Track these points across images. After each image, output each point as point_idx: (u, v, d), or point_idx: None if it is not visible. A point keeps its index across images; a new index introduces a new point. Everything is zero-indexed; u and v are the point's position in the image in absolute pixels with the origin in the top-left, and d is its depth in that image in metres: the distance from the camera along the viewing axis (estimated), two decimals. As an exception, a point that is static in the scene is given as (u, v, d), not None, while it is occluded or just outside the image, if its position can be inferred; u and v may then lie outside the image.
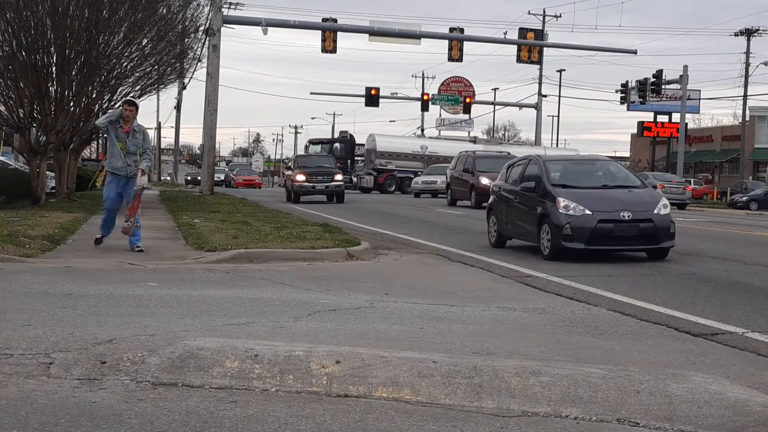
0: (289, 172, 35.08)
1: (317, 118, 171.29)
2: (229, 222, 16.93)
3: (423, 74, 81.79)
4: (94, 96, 25.75)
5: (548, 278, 10.80)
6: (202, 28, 31.86)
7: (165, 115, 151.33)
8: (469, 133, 79.15)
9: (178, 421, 4.27)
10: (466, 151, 34.76)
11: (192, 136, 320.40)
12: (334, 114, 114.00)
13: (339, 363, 5.19)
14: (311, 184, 32.08)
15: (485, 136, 64.28)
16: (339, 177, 32.56)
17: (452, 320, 7.59)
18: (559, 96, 74.15)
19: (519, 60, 48.69)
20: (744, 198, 46.29)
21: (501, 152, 35.71)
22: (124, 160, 12.29)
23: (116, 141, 12.28)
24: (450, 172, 33.93)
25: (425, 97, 64.13)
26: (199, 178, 51.52)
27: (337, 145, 53.03)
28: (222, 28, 34.91)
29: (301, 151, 72.05)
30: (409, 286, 9.96)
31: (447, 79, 72.15)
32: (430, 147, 55.19)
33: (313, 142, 55.66)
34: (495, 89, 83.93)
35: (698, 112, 71.57)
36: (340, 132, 63.89)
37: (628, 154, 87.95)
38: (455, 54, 43.24)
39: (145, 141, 12.61)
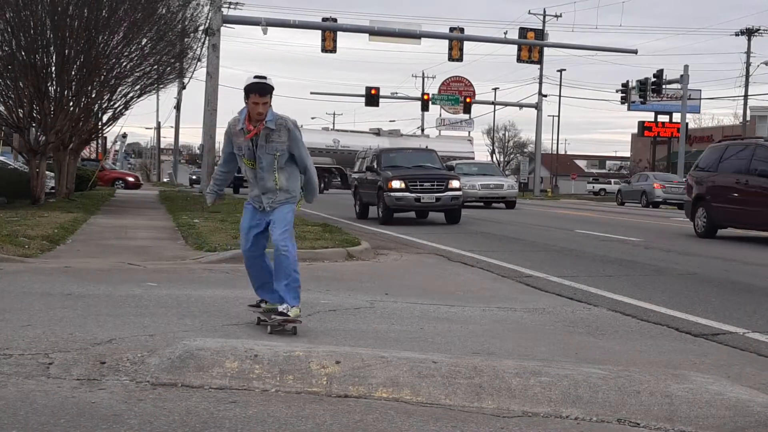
0: (365, 176, 23.26)
1: (317, 117, 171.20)
2: (229, 222, 16.91)
3: (423, 74, 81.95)
4: (93, 96, 25.75)
5: (548, 278, 10.79)
6: (201, 28, 31.81)
7: (165, 115, 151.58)
8: (469, 132, 79.25)
9: (177, 422, 4.26)
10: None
11: (192, 136, 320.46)
12: (334, 114, 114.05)
13: (339, 363, 5.18)
14: (414, 195, 20.83)
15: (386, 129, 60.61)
16: (456, 184, 21.36)
17: (452, 320, 7.59)
18: (560, 96, 74.26)
19: (519, 60, 48.72)
20: None
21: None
22: (256, 184, 6.96)
23: (242, 149, 6.93)
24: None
25: (425, 97, 64.08)
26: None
27: None
28: (222, 28, 34.90)
29: None
30: (409, 286, 9.95)
31: (447, 78, 72.14)
32: (342, 141, 54.07)
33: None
34: (495, 89, 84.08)
35: (699, 112, 71.66)
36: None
37: (628, 154, 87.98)
38: (455, 54, 43.22)
39: (294, 143, 6.87)
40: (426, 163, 22.85)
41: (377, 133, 56.80)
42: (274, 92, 6.75)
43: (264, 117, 6.73)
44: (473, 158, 58.63)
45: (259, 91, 6.67)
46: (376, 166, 22.28)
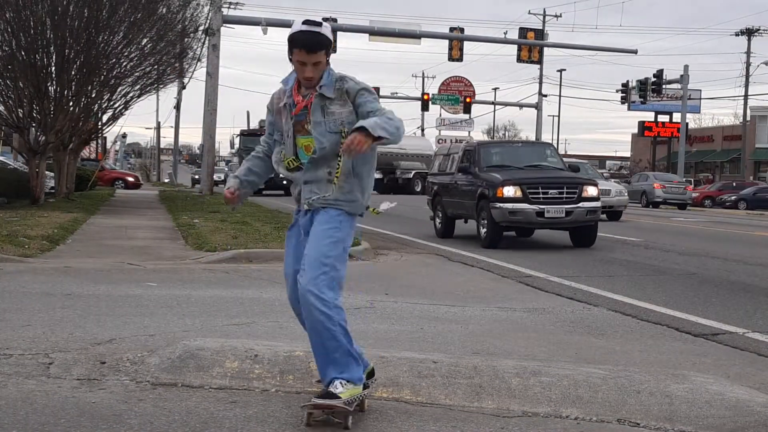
0: (452, 179, 17.33)
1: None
2: (228, 222, 16.92)
3: (423, 74, 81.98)
4: (93, 96, 25.75)
5: (548, 278, 10.79)
6: (201, 28, 31.82)
7: (165, 115, 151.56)
8: (469, 132, 79.26)
9: (177, 422, 4.26)
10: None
11: (192, 136, 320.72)
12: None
13: (339, 363, 5.17)
14: (535, 207, 15.00)
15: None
16: (593, 191, 15.55)
17: (452, 320, 7.58)
18: (560, 96, 74.32)
19: (519, 60, 48.73)
20: (732, 197, 46.10)
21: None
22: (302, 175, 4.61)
23: (283, 136, 4.64)
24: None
25: (425, 97, 64.10)
26: None
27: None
28: (222, 28, 34.89)
29: None
30: (409, 286, 9.95)
31: (447, 78, 72.15)
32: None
33: (244, 133, 50.75)
34: (495, 89, 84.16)
35: (699, 112, 71.68)
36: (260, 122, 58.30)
37: (628, 154, 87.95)
38: (455, 54, 43.24)
39: (367, 103, 4.48)
40: (541, 162, 16.74)
41: None
42: (331, 49, 4.45)
43: (315, 82, 4.45)
44: (432, 155, 57.55)
45: (306, 45, 4.35)
46: (471, 166, 16.36)
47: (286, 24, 38.45)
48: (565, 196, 15.14)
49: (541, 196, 15.03)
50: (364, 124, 4.18)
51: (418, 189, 51.58)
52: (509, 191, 14.98)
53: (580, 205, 15.16)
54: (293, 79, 4.58)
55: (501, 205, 14.93)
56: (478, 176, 15.96)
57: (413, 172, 52.39)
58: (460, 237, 17.16)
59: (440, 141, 79.62)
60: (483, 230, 15.38)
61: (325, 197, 4.45)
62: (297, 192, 4.60)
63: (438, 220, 17.85)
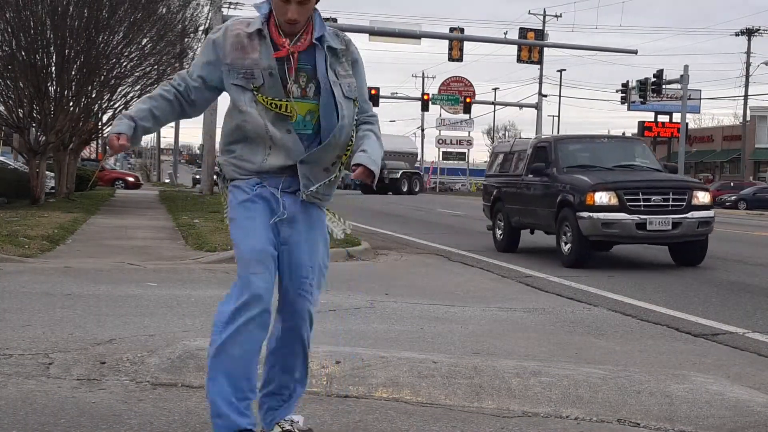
0: (520, 181, 14.44)
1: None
2: (229, 222, 16.90)
3: (423, 74, 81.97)
4: (93, 96, 25.75)
5: (548, 278, 10.79)
6: (201, 28, 31.81)
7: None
8: (469, 132, 79.27)
9: (177, 422, 4.26)
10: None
11: (192, 136, 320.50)
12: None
13: (339, 363, 5.18)
14: (635, 218, 12.21)
15: None
16: (704, 197, 12.78)
17: (452, 320, 7.58)
18: (560, 96, 74.32)
19: (519, 60, 48.75)
20: (732, 197, 46.08)
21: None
22: (285, 147, 3.56)
23: (256, 76, 3.51)
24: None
25: (425, 97, 64.06)
26: None
27: None
28: (222, 28, 34.90)
29: None
30: (409, 286, 9.95)
31: (447, 78, 72.12)
32: None
33: None
34: (495, 89, 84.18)
35: (699, 112, 71.67)
36: None
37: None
38: (455, 54, 43.24)
39: (366, 104, 3.83)
40: (631, 162, 13.80)
41: None
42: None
43: (301, 28, 3.52)
44: (416, 155, 57.55)
45: None
46: (548, 167, 13.34)
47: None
48: (671, 203, 12.30)
49: (642, 203, 12.19)
50: (369, 164, 3.57)
51: (405, 189, 51.61)
52: (602, 198, 12.11)
53: (689, 214, 12.27)
54: (267, 6, 3.57)
55: (591, 214, 12.01)
56: (558, 179, 13.00)
57: (400, 171, 52.49)
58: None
59: (440, 141, 79.63)
60: (565, 245, 12.44)
61: (319, 192, 3.66)
62: (269, 165, 3.56)
63: (499, 231, 14.87)
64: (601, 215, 12.03)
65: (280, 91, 3.52)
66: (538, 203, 13.57)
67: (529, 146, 14.51)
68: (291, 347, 3.75)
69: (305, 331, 3.75)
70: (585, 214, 12.07)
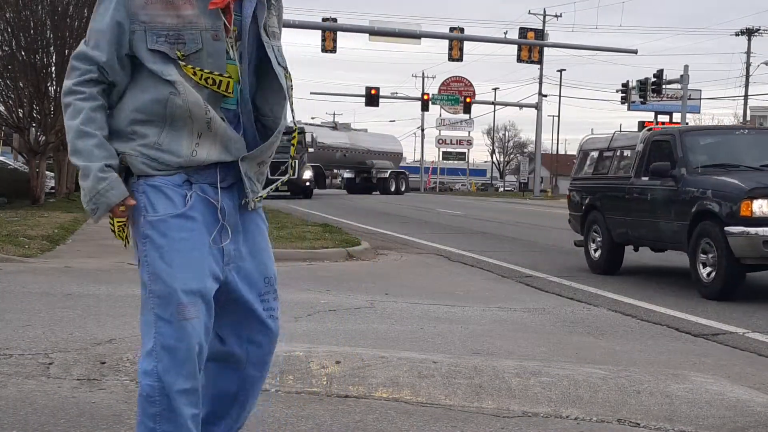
0: (627, 185, 11.30)
1: (317, 117, 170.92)
2: (229, 222, 16.90)
3: (423, 74, 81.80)
4: (93, 96, 25.73)
5: (548, 278, 10.79)
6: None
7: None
8: (469, 132, 79.29)
9: (177, 422, 4.25)
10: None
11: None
12: (334, 114, 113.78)
13: (339, 363, 5.18)
14: None
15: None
16: None
17: (452, 320, 7.58)
18: (560, 96, 74.35)
19: (519, 60, 48.73)
20: None
21: None
22: (232, 139, 2.79)
23: (196, 40, 2.66)
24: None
25: (425, 97, 64.10)
26: None
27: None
28: (222, 28, 34.92)
29: None
30: (409, 286, 9.95)
31: (447, 78, 72.11)
32: None
33: None
34: (495, 89, 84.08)
35: (699, 112, 71.51)
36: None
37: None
38: (455, 54, 43.22)
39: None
40: None
41: (334, 126, 53.46)
42: None
43: None
44: (401, 155, 57.39)
45: None
46: (674, 167, 10.25)
47: (286, 24, 38.43)
48: None
49: None
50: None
51: (393, 188, 51.53)
52: (764, 207, 9.11)
53: None
54: None
55: (748, 230, 9.01)
56: (690, 182, 10.00)
57: (389, 171, 52.40)
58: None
59: (440, 141, 79.58)
60: (705, 270, 9.51)
61: (260, 195, 2.94)
62: (201, 157, 2.74)
63: (593, 246, 11.91)
64: (763, 230, 9.01)
65: (222, 62, 2.70)
66: (658, 214, 10.61)
67: (639, 141, 11.39)
68: (254, 384, 3.12)
69: (265, 368, 3.10)
70: (738, 229, 9.07)
